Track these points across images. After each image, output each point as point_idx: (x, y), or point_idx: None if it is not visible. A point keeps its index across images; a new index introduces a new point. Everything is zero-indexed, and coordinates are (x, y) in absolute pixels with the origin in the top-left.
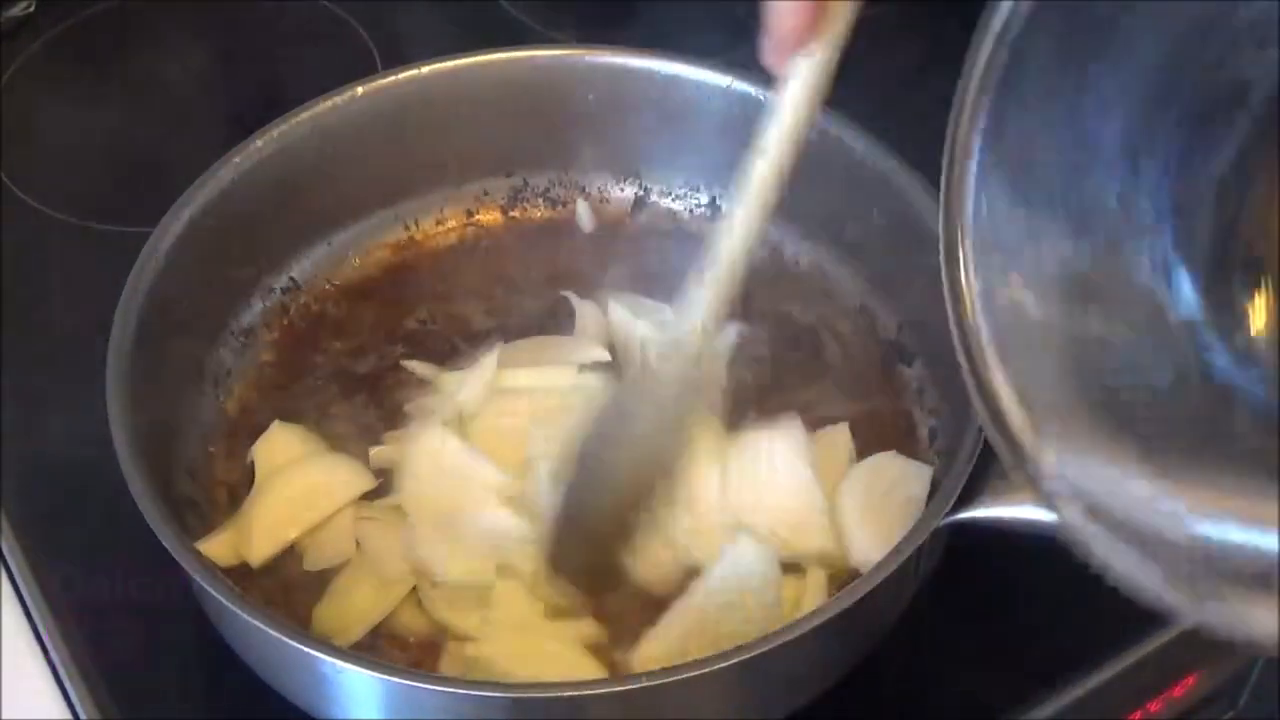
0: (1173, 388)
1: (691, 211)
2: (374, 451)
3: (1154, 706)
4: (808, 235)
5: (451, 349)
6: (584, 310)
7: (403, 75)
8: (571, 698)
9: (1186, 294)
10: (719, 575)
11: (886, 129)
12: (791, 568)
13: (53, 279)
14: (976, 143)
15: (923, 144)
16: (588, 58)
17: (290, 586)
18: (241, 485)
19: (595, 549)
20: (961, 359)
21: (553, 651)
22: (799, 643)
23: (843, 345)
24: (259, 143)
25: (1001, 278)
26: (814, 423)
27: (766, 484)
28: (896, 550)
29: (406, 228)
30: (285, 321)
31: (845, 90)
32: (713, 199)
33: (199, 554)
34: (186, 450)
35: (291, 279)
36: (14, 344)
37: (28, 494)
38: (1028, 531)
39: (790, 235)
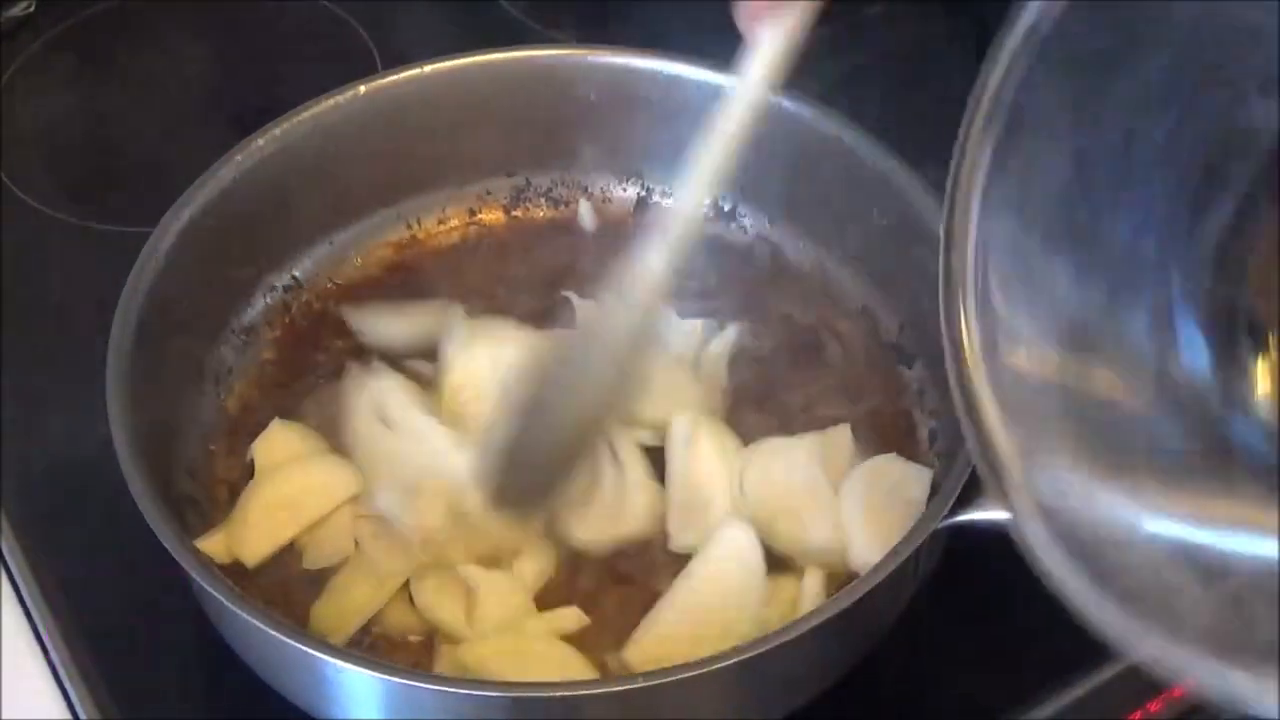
0: (1174, 440)
1: None
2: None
3: (1154, 706)
4: (809, 236)
5: None
6: (585, 310)
7: (405, 75)
8: (570, 697)
9: (1189, 350)
10: (708, 559)
11: (887, 129)
12: (789, 568)
13: (53, 279)
14: (978, 190)
15: (923, 144)
16: (588, 58)
17: (289, 585)
18: (242, 483)
19: (533, 489)
20: (960, 411)
21: (542, 652)
22: (797, 643)
23: (844, 346)
24: (260, 141)
25: (1004, 327)
26: (815, 424)
27: (781, 483)
28: (895, 551)
29: (409, 227)
30: (287, 320)
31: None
32: (715, 199)
33: (199, 554)
34: (187, 449)
35: (294, 277)
36: (14, 344)
37: (28, 494)
38: None
39: (791, 236)
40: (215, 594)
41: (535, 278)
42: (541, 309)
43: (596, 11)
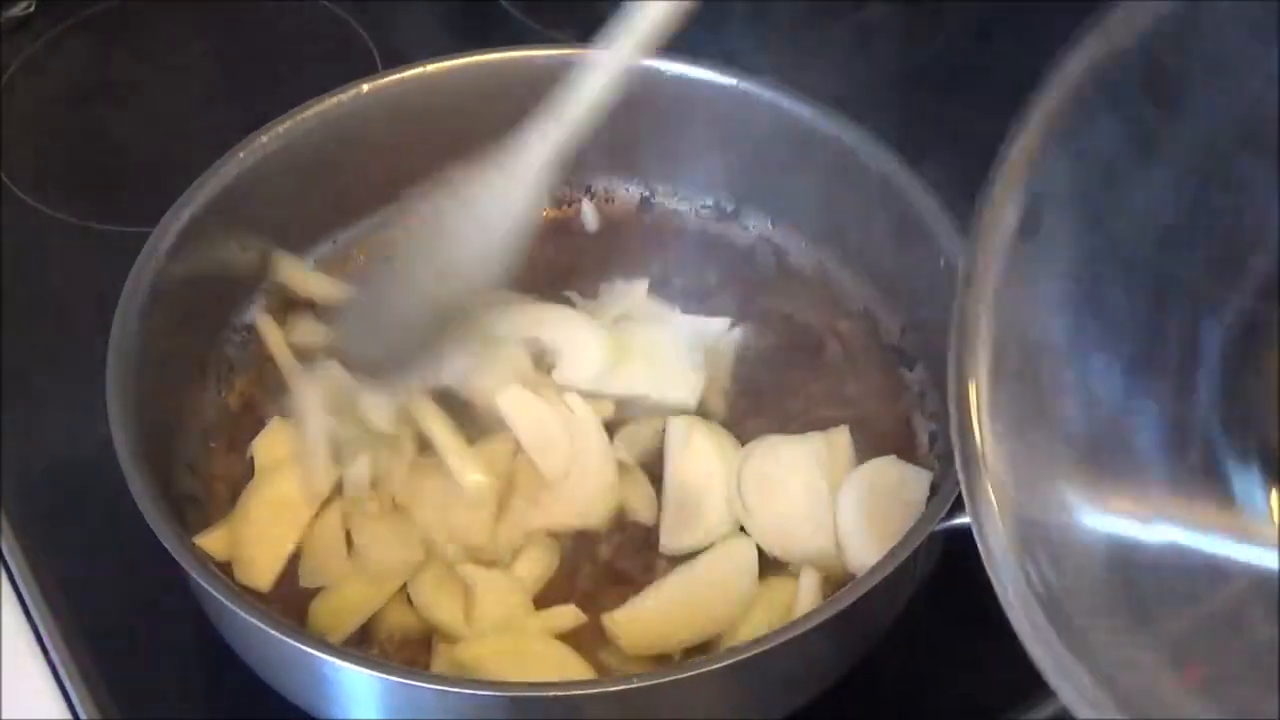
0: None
1: (697, 212)
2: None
3: None
4: (810, 238)
5: None
6: (587, 310)
7: (408, 73)
8: (569, 697)
9: (1199, 474)
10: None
11: (887, 129)
12: (785, 570)
13: (53, 279)
14: (985, 320)
15: (923, 144)
16: (589, 58)
17: (288, 584)
18: (242, 481)
19: (399, 356)
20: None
21: (540, 651)
22: (796, 644)
23: (844, 348)
24: (263, 139)
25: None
26: (814, 425)
27: (779, 485)
28: (893, 553)
29: None
30: (289, 318)
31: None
32: (718, 200)
33: (199, 554)
34: (187, 446)
35: None
36: (14, 344)
37: (28, 494)
38: None
39: (793, 238)
40: (215, 594)
41: (538, 277)
42: None
43: (596, 11)
